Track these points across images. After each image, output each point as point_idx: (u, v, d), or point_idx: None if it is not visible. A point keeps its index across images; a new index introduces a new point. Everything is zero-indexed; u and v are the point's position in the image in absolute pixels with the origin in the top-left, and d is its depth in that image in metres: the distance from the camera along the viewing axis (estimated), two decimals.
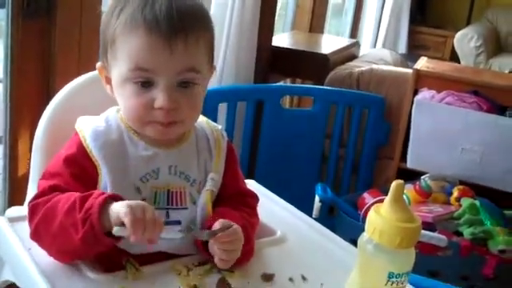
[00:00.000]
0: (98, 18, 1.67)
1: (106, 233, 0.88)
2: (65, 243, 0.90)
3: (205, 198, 1.04)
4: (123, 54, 0.96)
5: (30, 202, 0.96)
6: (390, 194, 0.86)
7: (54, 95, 1.17)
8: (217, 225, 0.97)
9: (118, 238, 0.88)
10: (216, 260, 0.96)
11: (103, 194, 0.90)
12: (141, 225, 0.86)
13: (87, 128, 1.01)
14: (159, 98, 0.96)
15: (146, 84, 0.96)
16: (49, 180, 0.98)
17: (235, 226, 0.97)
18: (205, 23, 1.01)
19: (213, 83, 1.05)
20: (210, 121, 1.13)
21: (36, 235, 0.94)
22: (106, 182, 0.98)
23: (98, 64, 1.04)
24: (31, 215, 0.95)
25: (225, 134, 1.12)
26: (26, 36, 1.54)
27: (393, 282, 0.86)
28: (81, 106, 1.07)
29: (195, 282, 0.93)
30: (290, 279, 0.98)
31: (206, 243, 0.99)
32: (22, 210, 1.12)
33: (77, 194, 0.91)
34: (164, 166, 1.02)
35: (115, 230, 0.86)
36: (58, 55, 1.61)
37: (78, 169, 0.98)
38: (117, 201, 0.89)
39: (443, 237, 1.92)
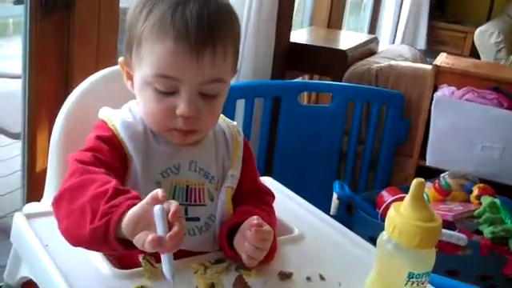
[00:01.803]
0: (117, 15, 1.69)
1: (118, 238, 0.83)
2: (76, 225, 0.86)
3: (225, 195, 1.04)
4: (149, 58, 0.95)
5: (72, 164, 0.92)
6: (410, 192, 0.85)
7: (71, 91, 1.17)
8: (252, 220, 0.96)
9: (130, 248, 0.83)
10: (244, 258, 0.95)
11: (138, 197, 0.85)
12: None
13: (116, 118, 1.00)
14: (181, 106, 0.94)
15: (169, 92, 0.95)
16: (87, 152, 0.95)
17: (268, 226, 0.96)
18: (234, 30, 0.99)
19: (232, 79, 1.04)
20: (226, 117, 1.12)
21: (58, 202, 0.89)
22: (135, 173, 0.97)
23: (121, 59, 1.03)
24: (67, 179, 0.91)
25: (241, 130, 1.12)
26: (45, 32, 1.54)
27: (413, 282, 0.85)
28: (98, 102, 1.07)
29: (212, 280, 0.92)
30: (308, 278, 0.97)
31: (230, 240, 0.99)
32: (40, 207, 1.13)
33: (113, 183, 0.87)
34: (185, 162, 1.02)
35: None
36: (76, 51, 1.61)
37: (115, 151, 0.97)
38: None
39: (463, 236, 1.89)
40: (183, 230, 0.80)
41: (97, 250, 0.92)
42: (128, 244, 0.83)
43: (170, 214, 0.79)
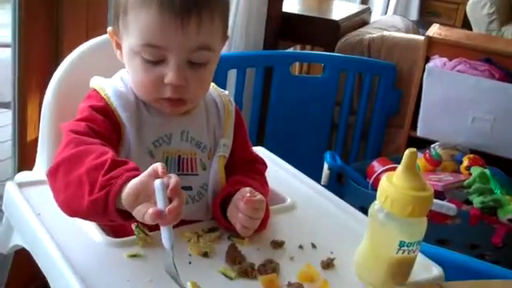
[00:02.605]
0: None
1: (117, 209, 0.83)
2: (74, 196, 0.86)
3: (217, 164, 1.04)
4: (135, 27, 0.94)
5: (66, 134, 0.92)
6: (402, 162, 0.85)
7: (62, 60, 1.16)
8: (245, 191, 0.96)
9: (128, 218, 0.84)
10: (238, 227, 0.96)
11: (137, 169, 0.85)
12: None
13: (108, 87, 1.00)
14: (169, 74, 0.94)
15: (156, 60, 0.94)
16: (81, 122, 0.94)
17: (260, 195, 0.96)
18: None
19: (222, 49, 1.03)
20: (217, 86, 1.11)
21: (54, 173, 0.89)
22: (128, 143, 0.97)
23: (109, 29, 1.02)
24: (62, 149, 0.90)
25: (232, 99, 1.11)
26: (34, 0, 1.52)
27: (404, 251, 0.86)
28: (89, 71, 1.06)
29: (205, 248, 0.93)
30: (300, 246, 0.98)
31: (224, 209, 0.99)
32: (31, 176, 1.13)
33: (111, 154, 0.86)
34: (176, 132, 1.02)
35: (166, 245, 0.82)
36: (66, 20, 1.59)
37: (109, 120, 0.96)
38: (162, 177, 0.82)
39: (453, 205, 1.91)
40: (183, 203, 0.80)
41: (94, 221, 0.92)
42: (126, 215, 0.83)
43: (170, 188, 0.80)
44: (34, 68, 1.57)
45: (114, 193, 0.82)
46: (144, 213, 0.79)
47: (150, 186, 0.80)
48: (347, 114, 2.51)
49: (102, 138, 0.93)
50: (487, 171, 2.03)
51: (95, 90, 1.01)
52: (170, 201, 0.80)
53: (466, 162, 2.13)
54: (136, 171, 0.84)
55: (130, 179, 0.82)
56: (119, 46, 1.01)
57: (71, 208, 0.88)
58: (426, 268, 0.95)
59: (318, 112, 2.47)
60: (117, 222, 0.86)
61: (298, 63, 3.01)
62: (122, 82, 1.01)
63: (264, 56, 2.42)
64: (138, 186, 0.81)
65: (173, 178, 0.81)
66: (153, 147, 1.00)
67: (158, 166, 0.81)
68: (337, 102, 2.50)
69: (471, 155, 2.17)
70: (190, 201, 1.02)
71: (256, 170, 1.10)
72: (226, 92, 1.12)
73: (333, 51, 2.58)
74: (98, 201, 0.83)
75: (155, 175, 0.81)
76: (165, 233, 0.81)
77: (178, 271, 0.82)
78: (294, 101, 2.42)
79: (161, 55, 0.94)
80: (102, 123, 0.95)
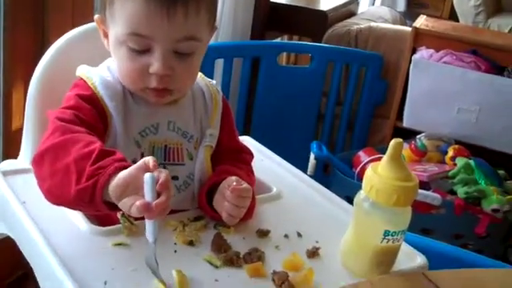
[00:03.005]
0: None
1: (104, 199, 0.83)
2: (60, 185, 0.85)
3: (204, 154, 1.04)
4: (121, 16, 0.93)
5: (52, 121, 0.91)
6: (387, 152, 0.86)
7: (47, 48, 1.15)
8: (231, 180, 0.96)
9: (113, 209, 0.83)
10: (224, 216, 0.96)
11: (124, 160, 0.84)
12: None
13: (95, 76, 0.99)
14: (154, 64, 0.93)
15: (142, 50, 0.94)
16: (68, 110, 0.94)
17: (246, 184, 0.97)
18: None
19: (210, 39, 1.03)
20: (204, 76, 1.11)
21: (39, 161, 0.88)
22: (115, 132, 0.97)
23: (96, 16, 1.01)
24: (47, 137, 0.89)
25: (219, 89, 1.11)
26: None
27: (388, 240, 0.87)
28: (75, 60, 1.05)
29: (191, 237, 0.93)
30: (286, 236, 0.98)
31: (210, 199, 0.99)
32: (17, 164, 1.12)
33: (98, 144, 0.86)
34: (163, 122, 1.01)
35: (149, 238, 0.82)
36: (52, 8, 1.57)
37: (96, 109, 0.96)
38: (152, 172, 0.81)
39: (437, 195, 1.93)
40: (170, 199, 0.80)
41: (79, 210, 0.92)
42: (112, 206, 0.83)
43: (160, 183, 0.79)
44: (20, 56, 1.56)
45: (101, 183, 0.81)
46: (130, 205, 0.79)
47: (139, 179, 0.80)
48: (334, 105, 2.52)
49: (88, 126, 0.92)
50: (472, 162, 2.05)
51: (82, 79, 1.00)
52: (158, 195, 0.80)
53: (451, 153, 2.15)
54: (124, 162, 0.84)
55: (118, 170, 0.82)
56: (106, 35, 1.00)
57: (56, 196, 0.88)
58: (410, 257, 0.96)
59: (304, 102, 2.47)
60: (102, 212, 0.85)
61: (285, 53, 3.01)
62: (108, 72, 1.01)
63: (251, 46, 2.41)
64: (126, 178, 0.80)
65: (163, 173, 0.80)
66: (139, 137, 1.00)
67: (149, 160, 0.81)
68: (324, 93, 2.50)
69: (456, 146, 2.19)
70: (176, 190, 1.02)
71: (242, 160, 1.10)
72: (214, 81, 1.12)
73: (320, 42, 2.58)
74: (85, 190, 0.82)
75: (146, 169, 0.80)
76: (149, 226, 0.81)
77: (158, 265, 0.82)
78: (281, 91, 2.42)
79: (146, 44, 0.93)
80: (89, 112, 0.95)
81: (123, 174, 0.81)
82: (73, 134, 0.88)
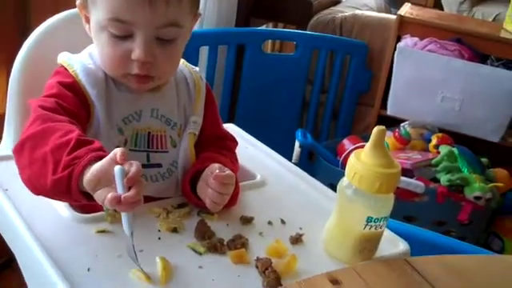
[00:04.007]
0: None
1: (80, 190, 0.82)
2: (38, 175, 0.84)
3: (187, 142, 1.04)
4: (102, 1, 0.92)
5: (34, 110, 0.90)
6: (371, 139, 0.86)
7: (30, 33, 1.14)
8: (214, 167, 0.96)
9: (90, 199, 0.82)
10: (207, 202, 0.96)
11: (102, 149, 0.83)
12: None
13: (76, 64, 0.98)
14: (136, 50, 0.92)
15: (124, 36, 0.93)
16: (50, 98, 0.93)
17: (229, 171, 0.96)
18: None
19: (194, 26, 1.02)
20: (188, 63, 1.11)
21: (19, 150, 0.88)
22: (97, 120, 0.96)
23: (78, 2, 1.00)
24: (29, 125, 0.89)
25: (203, 76, 1.11)
26: None
27: (371, 226, 0.87)
28: (57, 46, 1.05)
29: (175, 224, 0.93)
30: (269, 222, 0.99)
31: (194, 186, 0.99)
32: None
33: (76, 133, 0.85)
34: (146, 109, 1.01)
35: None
36: None
37: (78, 97, 0.95)
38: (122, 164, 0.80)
39: (421, 183, 1.94)
40: (140, 192, 0.79)
41: (59, 200, 0.91)
42: (90, 195, 0.82)
43: (127, 178, 0.78)
44: (2, 41, 1.54)
45: (76, 173, 0.80)
46: (104, 198, 0.78)
47: (111, 172, 0.79)
48: (319, 93, 2.52)
49: (70, 114, 0.91)
50: (455, 150, 2.07)
51: (63, 66, 0.99)
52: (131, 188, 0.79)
53: (434, 141, 2.16)
54: (101, 151, 0.83)
55: (94, 160, 0.81)
56: (88, 20, 0.99)
57: (35, 186, 0.87)
58: (392, 243, 0.97)
59: (289, 90, 2.47)
60: (80, 202, 0.85)
61: (270, 41, 3.00)
62: (90, 59, 1.00)
63: (236, 33, 2.40)
64: (98, 171, 0.79)
65: (133, 167, 0.79)
66: (122, 124, 0.99)
67: (117, 153, 0.80)
68: (308, 81, 2.50)
69: (440, 134, 2.20)
70: (160, 178, 1.02)
71: (226, 147, 1.10)
72: (197, 68, 1.11)
73: (305, 29, 2.58)
74: (61, 180, 0.81)
75: (116, 161, 0.79)
76: (124, 219, 0.81)
77: (137, 256, 0.81)
78: (265, 79, 2.42)
79: (128, 30, 0.92)
80: (71, 100, 0.94)
81: (95, 166, 0.80)
82: (53, 123, 0.87)
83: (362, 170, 0.85)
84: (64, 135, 0.85)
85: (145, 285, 0.80)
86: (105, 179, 0.79)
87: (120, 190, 0.78)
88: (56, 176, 0.82)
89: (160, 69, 0.96)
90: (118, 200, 0.77)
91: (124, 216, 0.81)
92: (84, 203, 0.90)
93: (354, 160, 0.87)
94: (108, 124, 0.97)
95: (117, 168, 0.78)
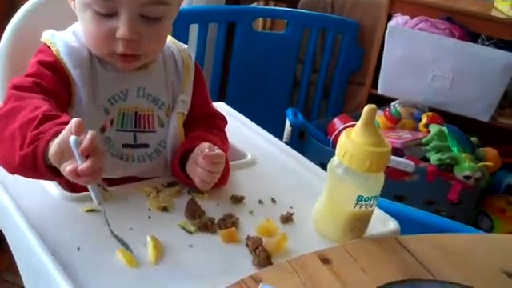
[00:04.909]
0: None
1: (48, 165, 0.80)
2: (8, 153, 0.83)
3: (176, 121, 1.03)
4: None
5: (8, 89, 0.90)
6: (361, 118, 0.86)
7: (17, 9, 1.12)
8: (203, 146, 0.95)
9: (58, 174, 0.80)
10: (197, 181, 0.95)
11: (67, 123, 0.79)
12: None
13: (59, 42, 0.97)
14: (121, 28, 0.91)
15: (108, 13, 0.92)
16: (28, 78, 0.91)
17: (219, 150, 0.96)
18: None
19: (183, 3, 1.01)
20: (176, 41, 1.09)
21: None
22: (79, 101, 0.95)
23: None
24: (3, 106, 0.88)
25: (192, 54, 1.09)
26: None
27: (361, 205, 0.87)
28: (44, 23, 1.03)
29: (165, 203, 0.93)
30: (260, 201, 0.98)
31: (183, 165, 0.98)
32: None
33: (44, 108, 0.83)
34: (133, 88, 1.00)
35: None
36: None
37: (58, 76, 0.93)
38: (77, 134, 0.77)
39: (411, 162, 1.95)
40: (97, 161, 0.76)
41: (32, 177, 0.88)
42: (58, 171, 0.80)
43: (80, 149, 0.76)
44: None
45: (41, 149, 0.79)
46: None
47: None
48: (310, 71, 2.51)
49: (49, 94, 0.90)
50: (445, 129, 2.07)
51: (46, 44, 0.98)
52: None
53: (424, 120, 2.17)
54: (66, 125, 0.80)
55: (57, 134, 0.79)
56: None
57: (8, 164, 0.86)
58: (382, 222, 0.97)
59: (280, 68, 2.46)
60: (49, 178, 0.84)
61: (260, 19, 2.98)
62: (74, 37, 0.98)
63: (226, 11, 2.39)
64: (60, 143, 0.78)
65: (87, 135, 0.76)
66: (108, 104, 0.98)
67: (72, 123, 0.77)
68: (299, 60, 2.49)
69: (430, 113, 2.20)
70: (147, 158, 1.01)
71: (216, 126, 1.09)
72: (186, 46, 1.10)
73: (296, 8, 2.56)
74: (27, 156, 0.80)
75: (71, 132, 0.77)
76: (90, 190, 0.80)
77: (110, 227, 0.82)
78: (256, 57, 2.40)
79: (112, 8, 0.91)
80: (50, 79, 0.92)
81: (57, 140, 0.78)
82: (23, 101, 0.86)
83: (353, 149, 0.85)
84: (32, 111, 0.83)
85: (134, 264, 0.79)
86: (67, 152, 0.77)
87: (78, 161, 0.76)
88: (22, 152, 0.81)
89: (146, 47, 0.95)
90: (74, 172, 0.76)
91: (89, 187, 0.80)
92: (60, 180, 0.88)
93: (344, 139, 0.87)
94: (92, 104, 0.96)
95: (71, 138, 0.76)
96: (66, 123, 0.80)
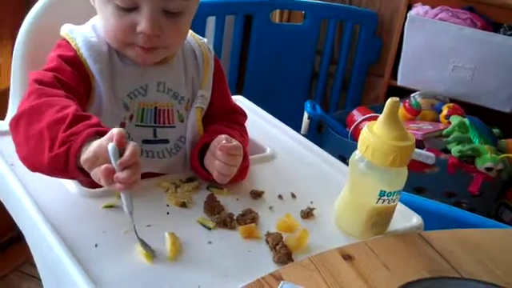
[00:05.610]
0: None
1: (79, 166, 0.80)
2: (34, 152, 0.82)
3: (195, 116, 1.02)
4: None
5: (30, 84, 0.88)
6: (384, 111, 0.84)
7: (34, 3, 1.11)
8: (220, 138, 0.94)
9: (86, 175, 0.80)
10: (215, 174, 0.94)
11: (99, 125, 0.81)
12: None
13: (79, 37, 0.96)
14: (142, 23, 0.90)
15: (129, 8, 0.90)
16: (48, 72, 0.90)
17: (237, 142, 0.94)
18: None
19: None
20: (195, 34, 1.08)
21: (15, 126, 0.86)
22: (99, 96, 0.94)
23: None
24: (24, 100, 0.87)
25: (211, 47, 1.08)
26: None
27: (384, 200, 0.86)
28: (62, 17, 1.02)
29: (183, 198, 0.92)
30: (280, 196, 0.97)
31: (202, 160, 0.97)
32: (4, 125, 1.09)
33: (73, 108, 0.82)
34: (152, 83, 0.99)
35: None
36: None
37: (78, 72, 0.93)
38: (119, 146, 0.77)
39: (431, 154, 1.92)
40: (133, 174, 0.76)
41: (57, 177, 0.88)
42: (87, 172, 0.80)
43: (120, 162, 0.75)
44: (6, 13, 1.52)
45: (74, 151, 0.78)
46: (100, 176, 0.76)
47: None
48: (328, 63, 2.49)
49: (69, 89, 0.89)
50: (466, 120, 2.04)
51: (65, 39, 0.97)
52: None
53: (445, 111, 2.13)
54: (98, 127, 0.80)
55: (91, 136, 0.79)
56: None
57: (33, 163, 0.85)
58: (405, 217, 0.95)
59: (298, 60, 2.44)
60: (79, 179, 0.83)
61: (278, 11, 2.95)
62: (93, 31, 0.97)
63: (244, 3, 2.36)
64: (96, 149, 0.77)
65: (129, 147, 0.76)
66: (128, 99, 0.97)
67: (113, 132, 0.77)
68: (317, 51, 2.47)
69: (451, 104, 2.17)
70: (167, 154, 1.00)
71: (235, 121, 1.08)
72: (205, 40, 1.09)
73: None
74: (58, 157, 0.79)
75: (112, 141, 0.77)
76: (122, 198, 0.80)
77: (139, 236, 0.80)
78: (274, 49, 2.39)
79: (134, 2, 0.90)
80: (71, 74, 0.91)
81: (93, 145, 0.78)
82: (48, 98, 0.85)
83: (375, 143, 0.83)
84: (60, 110, 0.82)
85: (152, 261, 0.78)
86: (102, 158, 0.77)
87: (115, 168, 0.76)
88: (53, 153, 0.80)
89: (166, 42, 0.94)
90: (111, 178, 0.75)
91: (122, 194, 0.79)
92: (85, 180, 0.87)
93: (366, 132, 0.85)
94: (112, 99, 0.95)
95: (110, 146, 0.76)
96: (98, 125, 0.80)
